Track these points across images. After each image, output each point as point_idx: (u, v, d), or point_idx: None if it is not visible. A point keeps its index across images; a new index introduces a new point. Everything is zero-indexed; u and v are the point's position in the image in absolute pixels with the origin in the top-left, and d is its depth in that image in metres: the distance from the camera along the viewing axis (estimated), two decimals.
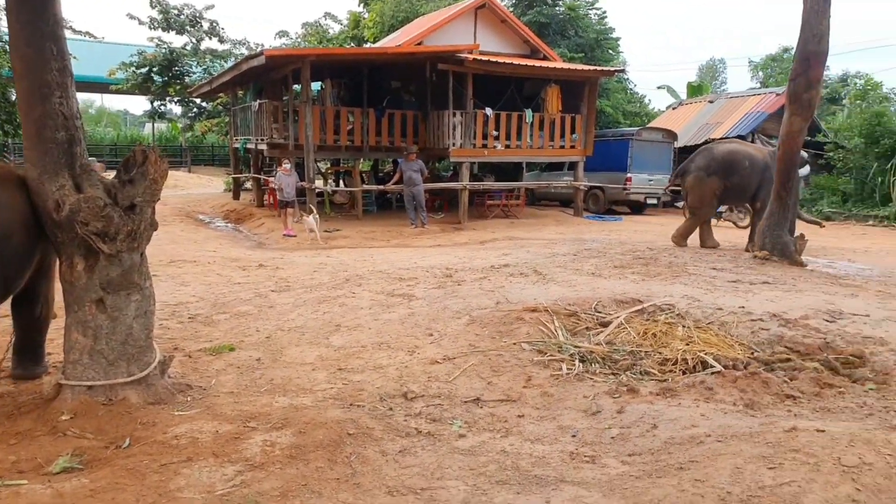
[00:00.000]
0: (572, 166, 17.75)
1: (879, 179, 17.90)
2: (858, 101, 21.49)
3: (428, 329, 5.42)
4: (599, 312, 5.79)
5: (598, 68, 18.43)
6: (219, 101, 25.11)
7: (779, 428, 3.24)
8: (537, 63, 17.09)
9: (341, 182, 20.06)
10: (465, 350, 4.90)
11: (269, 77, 16.36)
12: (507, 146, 16.11)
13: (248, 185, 20.68)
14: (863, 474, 2.69)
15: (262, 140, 15.78)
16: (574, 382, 4.32)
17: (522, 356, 4.76)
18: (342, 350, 5.05)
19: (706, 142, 21.10)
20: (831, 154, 19.27)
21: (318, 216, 12.71)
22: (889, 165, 17.55)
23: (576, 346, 4.92)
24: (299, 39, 31.63)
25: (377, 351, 5.00)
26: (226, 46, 27.17)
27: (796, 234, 9.40)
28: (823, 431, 3.11)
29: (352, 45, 29.12)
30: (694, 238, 10.95)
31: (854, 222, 17.52)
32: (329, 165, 20.79)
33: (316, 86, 17.53)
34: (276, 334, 5.49)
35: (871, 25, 79.02)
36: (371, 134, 15.82)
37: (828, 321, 5.57)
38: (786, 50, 35.88)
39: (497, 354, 4.78)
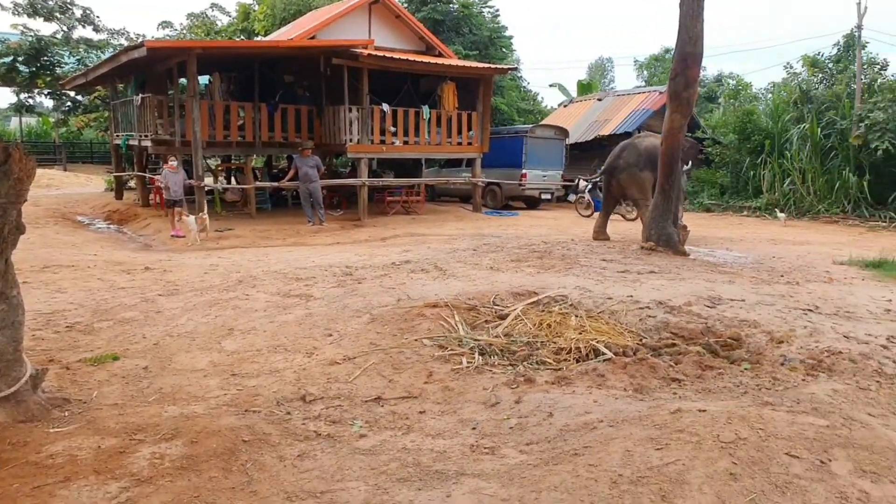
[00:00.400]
0: (470, 163, 17.99)
1: (752, 173, 19.33)
2: (731, 100, 23.11)
3: (327, 329, 5.33)
4: (498, 305, 5.90)
5: (493, 66, 18.76)
6: (96, 94, 23.61)
7: (665, 410, 3.42)
8: (433, 60, 17.18)
9: (233, 179, 19.36)
10: (366, 349, 4.85)
11: (152, 70, 15.52)
12: (406, 142, 16.11)
13: (132, 183, 19.55)
14: (739, 449, 2.89)
15: (147, 136, 14.96)
16: (474, 375, 4.37)
17: (423, 352, 4.77)
18: (236, 354, 4.86)
19: (596, 138, 22.07)
20: (709, 149, 20.60)
21: (206, 214, 12.17)
22: (759, 160, 18.97)
23: (475, 340, 4.99)
24: (184, 31, 30.29)
25: (273, 354, 4.85)
26: (102, 36, 25.62)
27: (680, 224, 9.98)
28: (705, 411, 3.30)
29: (241, 38, 28.18)
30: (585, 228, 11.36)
31: (731, 213, 18.83)
32: (219, 162, 20.01)
33: (203, 79, 16.81)
34: (164, 340, 5.21)
35: (742, 29, 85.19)
36: (263, 129, 15.36)
37: (708, 307, 5.93)
38: (667, 50, 38.00)
39: (398, 352, 4.76)
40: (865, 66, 18.44)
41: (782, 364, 4.48)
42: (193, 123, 13.24)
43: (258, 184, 16.37)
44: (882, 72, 19.05)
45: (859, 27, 18.23)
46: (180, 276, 7.89)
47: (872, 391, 3.82)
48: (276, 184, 16.17)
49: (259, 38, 25.37)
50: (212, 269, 8.39)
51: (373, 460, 3.21)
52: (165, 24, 30.99)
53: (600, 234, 11.32)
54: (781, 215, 17.02)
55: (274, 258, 9.29)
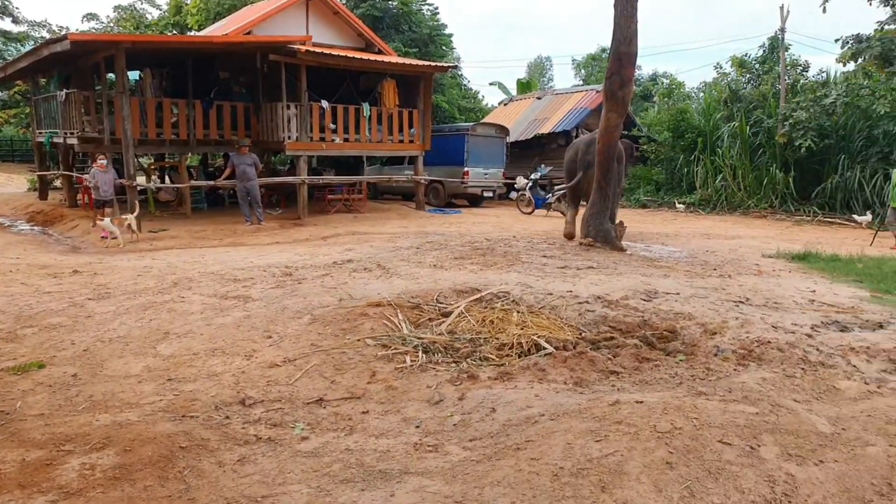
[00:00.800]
0: (412, 161, 17.95)
1: (685, 169, 19.95)
2: (666, 99, 23.79)
3: (266, 331, 5.22)
4: (441, 303, 5.91)
5: (433, 64, 18.76)
6: (16, 89, 22.48)
7: (604, 402, 3.50)
8: (372, 57, 17.06)
9: (167, 178, 18.77)
10: (307, 350, 4.78)
11: (76, 64, 14.85)
12: (346, 140, 15.94)
13: (58, 183, 18.71)
14: (674, 438, 2.98)
15: (73, 134, 14.31)
16: (418, 374, 4.37)
17: (366, 352, 4.73)
18: (172, 359, 4.71)
19: (536, 137, 22.35)
20: (645, 147, 21.14)
21: (130, 216, 11.70)
22: (693, 157, 19.60)
23: (419, 338, 4.98)
24: (111, 24, 29.18)
25: (211, 357, 4.73)
26: (22, 28, 24.46)
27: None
28: (642, 403, 3.39)
29: (174, 32, 27.34)
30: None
31: (666, 209, 19.39)
32: (152, 161, 19.36)
33: (133, 75, 16.21)
34: (95, 346, 5.00)
35: (675, 30, 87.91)
36: (198, 127, 14.92)
37: (645, 300, 6.09)
38: (604, 50, 38.86)
39: (340, 352, 4.71)
40: (789, 68, 19.28)
41: (715, 355, 4.64)
42: (123, 121, 12.74)
43: (193, 183, 15.90)
44: (804, 73, 19.96)
45: (782, 30, 19.02)
46: (112, 278, 7.60)
47: (798, 378, 4.00)
48: (212, 182, 15.74)
49: (192, 33, 24.65)
50: (145, 271, 8.10)
51: (315, 462, 3.17)
52: (91, 17, 29.85)
53: (574, 231, 10.73)
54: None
55: (211, 259, 9.05)
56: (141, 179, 15.70)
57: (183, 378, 4.36)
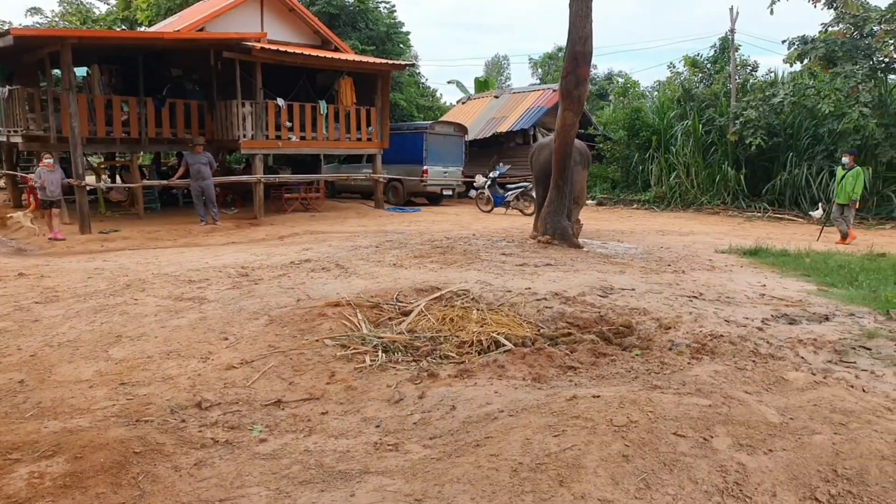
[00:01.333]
0: (371, 159, 17.87)
1: (640, 167, 20.31)
2: (621, 98, 24.15)
3: (222, 333, 5.14)
4: (401, 302, 5.90)
5: (390, 62, 18.68)
6: None
7: (562, 398, 3.54)
8: (329, 54, 16.92)
9: (118, 178, 18.29)
10: (265, 352, 4.73)
11: (20, 60, 14.36)
12: (303, 138, 15.77)
13: (1, 182, 18.06)
14: (630, 431, 3.03)
15: (17, 132, 13.83)
16: (377, 373, 4.36)
17: (325, 352, 4.70)
18: (125, 363, 4.60)
19: (494, 135, 22.46)
20: (601, 145, 21.44)
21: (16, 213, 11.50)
22: (647, 155, 19.97)
23: (379, 338, 4.97)
24: (57, 19, 28.25)
25: (166, 360, 4.63)
26: None
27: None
28: (599, 397, 3.45)
29: (123, 27, 26.63)
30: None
31: (622, 206, 19.72)
32: (102, 159, 18.84)
33: (81, 71, 15.74)
34: (42, 351, 4.85)
35: (629, 30, 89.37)
36: (150, 125, 14.57)
37: (601, 296, 6.19)
38: (560, 49, 39.21)
39: (299, 353, 4.67)
40: (739, 67, 19.78)
41: (670, 349, 4.75)
42: (70, 118, 12.36)
43: (146, 182, 15.53)
44: (753, 73, 20.52)
45: (732, 31, 19.52)
46: (60, 281, 7.36)
47: (749, 371, 4.12)
48: (165, 182, 15.41)
49: (143, 29, 24.06)
50: (96, 273, 7.88)
51: (274, 464, 3.14)
52: (35, 11, 28.88)
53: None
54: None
55: (164, 260, 8.85)
56: (90, 179, 15.29)
57: (137, 382, 4.26)
